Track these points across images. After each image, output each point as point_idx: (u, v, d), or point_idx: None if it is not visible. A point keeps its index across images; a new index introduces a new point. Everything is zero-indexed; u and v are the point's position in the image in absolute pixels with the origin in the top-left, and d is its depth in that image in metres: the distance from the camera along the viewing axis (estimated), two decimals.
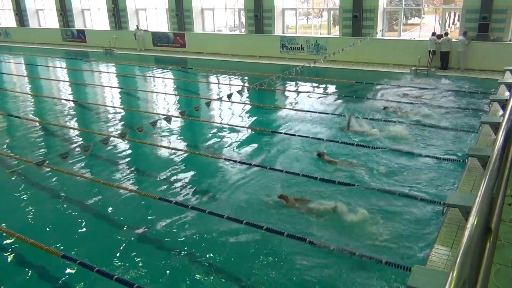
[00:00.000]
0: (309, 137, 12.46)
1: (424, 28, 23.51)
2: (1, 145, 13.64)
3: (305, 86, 19.71)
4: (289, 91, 19.20)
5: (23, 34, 37.83)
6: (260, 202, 8.92)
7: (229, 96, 14.02)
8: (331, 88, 18.84)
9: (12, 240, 8.09)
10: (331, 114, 14.70)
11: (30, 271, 7.41)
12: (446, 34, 20.81)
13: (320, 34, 26.40)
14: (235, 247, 7.62)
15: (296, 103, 16.66)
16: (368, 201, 8.80)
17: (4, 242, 8.15)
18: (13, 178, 10.57)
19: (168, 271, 7.16)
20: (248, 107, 16.58)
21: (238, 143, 12.60)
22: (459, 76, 19.56)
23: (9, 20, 39.81)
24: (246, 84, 20.71)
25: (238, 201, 9.09)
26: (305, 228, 7.94)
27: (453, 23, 26.91)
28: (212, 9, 28.89)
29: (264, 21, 25.87)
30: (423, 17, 24.38)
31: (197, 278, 6.97)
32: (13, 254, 7.82)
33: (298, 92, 18.73)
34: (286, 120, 14.43)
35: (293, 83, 20.22)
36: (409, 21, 27.60)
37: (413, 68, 20.66)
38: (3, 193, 10.02)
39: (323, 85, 19.31)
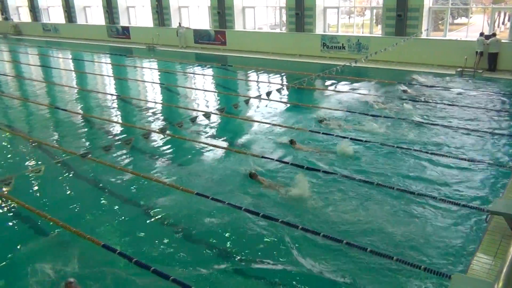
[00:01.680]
0: (347, 137, 12.28)
1: (472, 28, 22.66)
2: (48, 136, 14.23)
3: (345, 86, 19.44)
4: (329, 90, 18.98)
5: (71, 30, 39.26)
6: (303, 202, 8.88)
7: (268, 94, 14.04)
8: (371, 88, 18.48)
9: (59, 228, 8.43)
10: (371, 115, 14.41)
11: (71, 259, 7.69)
12: (494, 34, 20.01)
13: (362, 33, 25.96)
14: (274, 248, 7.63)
15: (336, 102, 16.44)
16: (410, 206, 8.61)
17: (49, 230, 8.50)
18: (58, 168, 10.97)
19: (211, 270, 7.24)
20: (287, 106, 16.51)
21: (275, 141, 12.59)
22: (508, 79, 18.77)
23: (58, 17, 41.35)
24: (285, 83, 20.66)
25: (275, 197, 9.11)
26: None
27: (502, 23, 25.82)
28: (253, 7, 28.97)
29: (305, 19, 25.71)
30: (470, 17, 23.51)
31: (251, 276, 7.03)
32: (56, 241, 8.15)
33: (338, 92, 18.48)
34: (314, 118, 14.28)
35: (334, 82, 19.98)
36: (455, 21, 26.69)
37: (458, 69, 19.96)
38: (49, 182, 10.43)
39: (364, 85, 18.97)
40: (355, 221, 8.20)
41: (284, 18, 27.64)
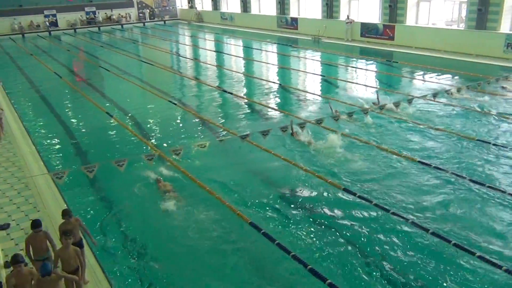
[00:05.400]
0: None
1: None
2: (214, 116, 15.55)
3: None
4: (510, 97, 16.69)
5: (244, 19, 41.95)
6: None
7: (435, 95, 13.06)
8: None
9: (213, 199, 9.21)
10: None
11: (216, 231, 8.31)
12: None
13: None
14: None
15: None
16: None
17: (208, 201, 9.33)
18: (220, 146, 11.89)
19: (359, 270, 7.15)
20: (455, 109, 15.01)
21: (436, 147, 11.68)
22: None
23: (235, 6, 44.47)
24: (456, 84, 18.87)
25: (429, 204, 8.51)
26: None
27: None
28: (429, 1, 27.02)
29: (488, 16, 23.01)
30: None
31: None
32: (205, 215, 8.90)
33: None
34: (502, 131, 12.67)
35: None
36: None
37: None
38: (211, 157, 11.41)
39: None
40: None
41: (463, 13, 25.17)
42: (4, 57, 31.03)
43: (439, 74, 20.39)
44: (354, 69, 23.08)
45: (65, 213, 6.80)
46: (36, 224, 6.47)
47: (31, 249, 6.46)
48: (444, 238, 7.60)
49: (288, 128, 11.90)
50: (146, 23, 48.53)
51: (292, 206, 9.16)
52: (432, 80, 19.21)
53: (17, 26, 42.65)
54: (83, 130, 14.94)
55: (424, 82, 18.77)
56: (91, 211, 9.34)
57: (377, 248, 7.61)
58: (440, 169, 10.22)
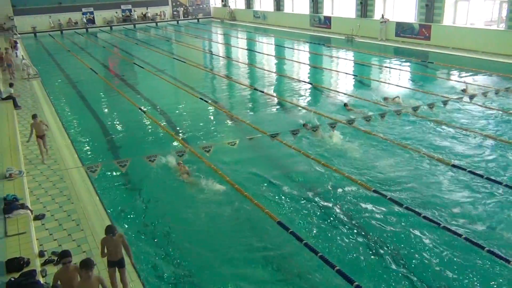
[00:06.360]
0: None
1: None
2: (244, 114, 15.58)
3: None
4: None
5: (277, 17, 41.87)
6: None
7: (471, 97, 12.69)
8: None
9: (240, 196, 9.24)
10: None
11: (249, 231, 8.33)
12: None
13: None
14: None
15: None
16: None
17: (234, 199, 9.36)
18: (249, 144, 11.89)
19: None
20: (493, 112, 14.51)
21: (473, 150, 11.35)
22: None
23: (268, 4, 44.43)
24: (494, 86, 18.24)
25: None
26: None
27: None
28: (468, 1, 26.22)
29: None
30: None
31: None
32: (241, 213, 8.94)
33: None
34: None
35: None
36: None
37: None
38: (240, 155, 11.44)
39: None
40: None
41: (503, 13, 24.30)
42: (43, 53, 32.07)
43: (477, 75, 19.77)
44: (387, 69, 22.66)
45: (109, 230, 6.22)
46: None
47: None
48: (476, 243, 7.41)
49: (318, 128, 11.83)
50: (179, 21, 49.17)
51: (326, 207, 9.10)
52: (469, 81, 18.63)
53: (56, 23, 44.03)
54: (117, 125, 15.27)
55: (460, 83, 18.22)
56: (121, 201, 9.57)
57: (416, 256, 7.48)
58: (474, 173, 9.94)
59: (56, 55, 30.20)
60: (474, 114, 14.21)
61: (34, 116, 11.29)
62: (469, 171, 10.04)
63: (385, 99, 15.96)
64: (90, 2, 45.70)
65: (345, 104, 15.54)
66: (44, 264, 7.14)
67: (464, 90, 16.49)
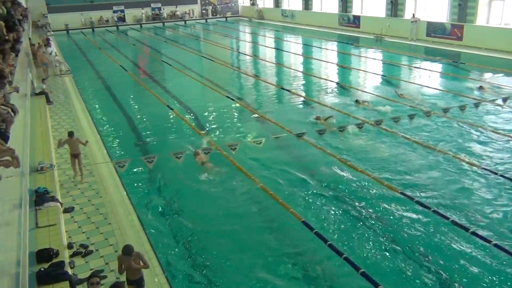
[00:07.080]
0: None
1: None
2: (270, 113, 15.56)
3: None
4: None
5: (305, 16, 41.63)
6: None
7: (505, 100, 12.33)
8: None
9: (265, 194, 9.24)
10: None
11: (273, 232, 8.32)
12: None
13: None
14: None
15: None
16: None
17: (257, 195, 9.37)
18: (275, 143, 11.87)
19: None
20: None
21: (505, 154, 11.02)
22: None
23: (296, 3, 44.25)
24: None
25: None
26: None
27: None
28: (503, 0, 25.44)
29: None
30: None
31: None
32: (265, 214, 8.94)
33: None
34: None
35: None
36: None
37: None
38: (265, 153, 11.43)
39: None
40: None
41: None
42: (75, 50, 32.83)
43: (510, 77, 19.17)
44: (417, 69, 22.22)
45: (125, 251, 6.11)
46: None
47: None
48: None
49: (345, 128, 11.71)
50: (208, 20, 49.49)
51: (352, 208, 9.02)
52: (503, 83, 18.09)
53: (88, 21, 45.01)
54: (145, 122, 15.49)
55: (493, 85, 17.70)
56: (148, 196, 9.72)
57: (443, 261, 7.32)
58: (505, 177, 9.66)
59: (87, 52, 30.87)
60: (507, 117, 13.80)
61: (70, 134, 10.15)
62: (501, 175, 9.76)
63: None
64: (121, 0, 46.53)
65: (357, 101, 15.95)
66: (72, 256, 7.32)
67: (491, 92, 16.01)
